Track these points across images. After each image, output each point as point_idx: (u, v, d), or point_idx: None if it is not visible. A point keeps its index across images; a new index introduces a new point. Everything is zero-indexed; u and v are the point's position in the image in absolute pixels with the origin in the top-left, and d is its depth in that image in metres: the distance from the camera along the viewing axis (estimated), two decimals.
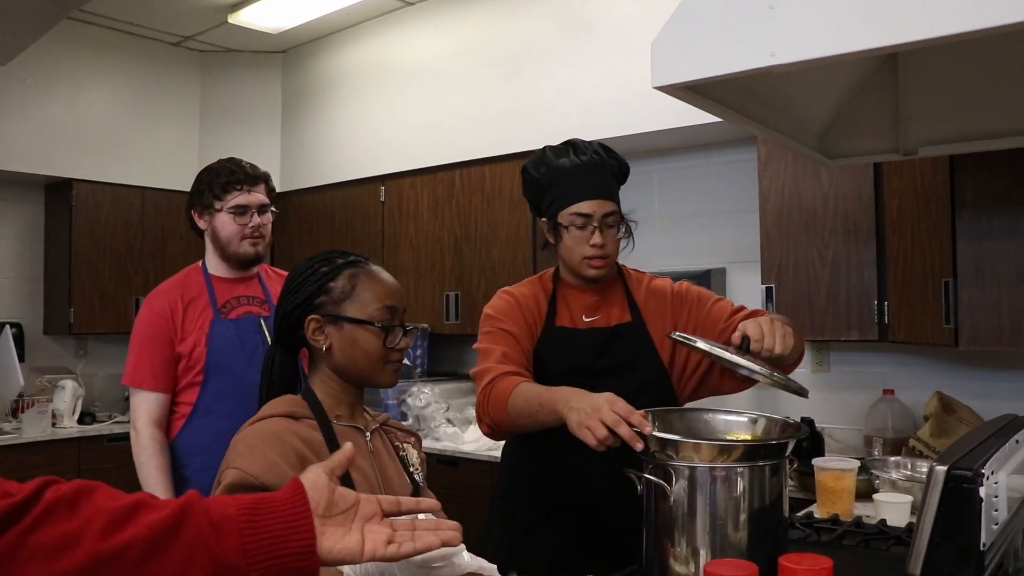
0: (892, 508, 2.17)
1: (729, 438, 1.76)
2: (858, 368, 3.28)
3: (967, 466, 1.26)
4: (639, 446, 1.51)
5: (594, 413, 1.52)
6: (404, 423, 1.70)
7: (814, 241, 3.01)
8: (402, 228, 4.50)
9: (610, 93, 3.68)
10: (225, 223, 2.31)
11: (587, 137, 3.63)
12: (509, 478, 2.06)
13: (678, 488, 1.52)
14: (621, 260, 2.09)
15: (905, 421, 3.02)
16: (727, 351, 1.61)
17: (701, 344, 1.63)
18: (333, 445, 1.40)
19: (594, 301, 2.00)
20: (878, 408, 3.07)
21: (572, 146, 1.99)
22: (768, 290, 3.10)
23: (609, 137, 3.58)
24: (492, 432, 1.85)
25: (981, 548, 1.27)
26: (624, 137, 3.58)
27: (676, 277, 3.55)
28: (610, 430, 1.50)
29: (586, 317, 1.99)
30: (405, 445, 1.62)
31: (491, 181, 4.10)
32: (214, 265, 2.35)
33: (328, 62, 5.03)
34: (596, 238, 1.89)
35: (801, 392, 1.68)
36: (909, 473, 2.47)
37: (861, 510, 2.35)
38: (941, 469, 1.27)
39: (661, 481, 1.53)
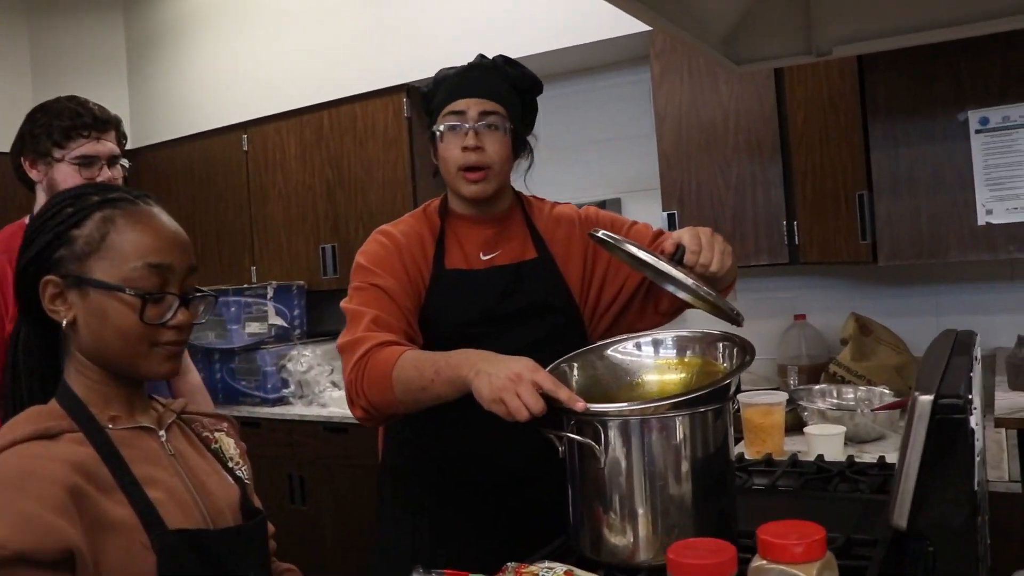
0: (826, 442, 2.01)
1: (667, 377, 1.54)
2: (767, 294, 3.13)
3: (953, 393, 1.06)
4: (580, 406, 1.27)
5: (511, 383, 1.27)
6: (216, 410, 1.38)
7: (716, 161, 2.80)
8: (269, 178, 4.10)
9: (488, 16, 3.36)
10: (67, 176, 1.96)
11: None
12: (398, 453, 1.77)
13: (609, 445, 1.29)
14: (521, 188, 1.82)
15: (819, 347, 2.89)
16: (659, 259, 1.36)
17: (630, 247, 1.37)
18: (115, 461, 1.04)
19: (491, 235, 1.70)
20: (791, 335, 2.93)
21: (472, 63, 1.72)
22: (670, 217, 2.89)
23: None
24: (368, 417, 1.53)
25: (975, 488, 1.09)
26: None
27: None
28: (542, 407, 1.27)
29: (483, 255, 1.69)
30: (217, 434, 1.27)
31: (363, 120, 3.75)
32: None
33: (175, 1, 4.52)
34: (469, 139, 1.59)
35: (736, 319, 1.46)
36: (837, 401, 2.32)
37: (791, 445, 2.19)
38: (926, 399, 1.06)
39: (588, 440, 1.29)
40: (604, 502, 1.31)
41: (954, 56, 2.16)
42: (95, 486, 0.99)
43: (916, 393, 1.08)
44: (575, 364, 1.55)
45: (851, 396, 2.33)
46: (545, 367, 1.38)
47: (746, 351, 1.41)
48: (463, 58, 1.74)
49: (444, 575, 1.29)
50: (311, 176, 3.95)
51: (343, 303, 1.64)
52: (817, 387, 2.40)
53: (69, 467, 0.98)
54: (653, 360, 1.58)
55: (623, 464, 1.29)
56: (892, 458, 1.93)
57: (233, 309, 3.77)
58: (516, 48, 3.20)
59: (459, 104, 1.62)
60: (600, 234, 1.42)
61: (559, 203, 1.83)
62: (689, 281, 1.34)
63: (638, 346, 1.61)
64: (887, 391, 2.30)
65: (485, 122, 1.62)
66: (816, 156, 2.54)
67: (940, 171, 2.21)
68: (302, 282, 3.96)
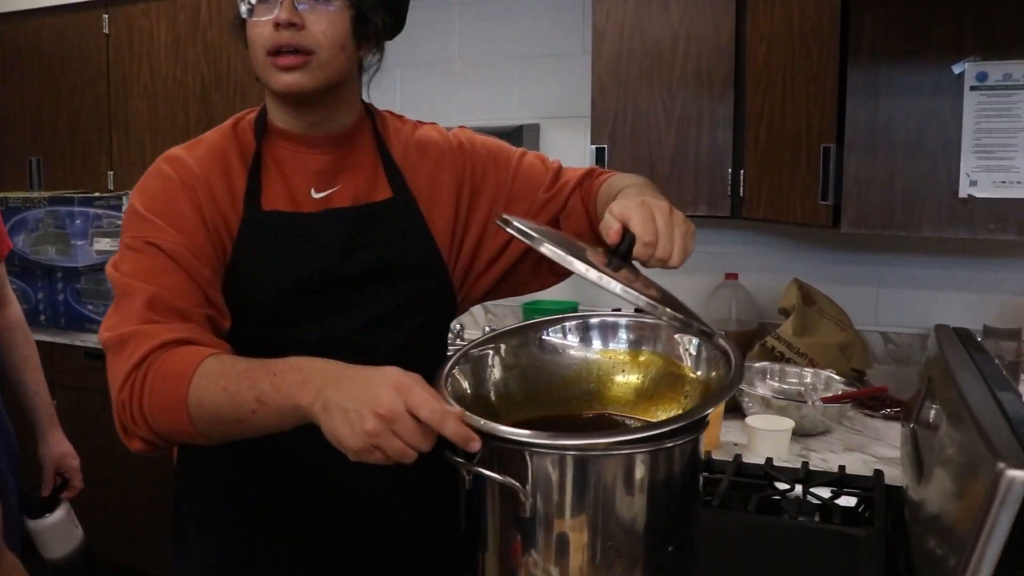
0: (772, 439, 1.72)
1: (618, 381, 1.20)
2: (696, 247, 2.80)
3: None
4: (475, 446, 0.89)
5: (382, 423, 0.85)
6: None
7: (658, 92, 2.43)
8: (133, 69, 3.51)
9: None
10: None
11: None
12: (195, 491, 1.33)
13: (540, 487, 0.95)
14: (382, 104, 1.36)
15: (750, 312, 2.60)
16: (597, 270, 0.95)
17: (552, 248, 0.96)
18: None
19: (327, 163, 1.24)
20: (720, 295, 2.63)
21: None
22: (599, 151, 2.52)
23: None
24: (153, 448, 1.06)
25: None
26: None
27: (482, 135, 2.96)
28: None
29: (315, 191, 1.23)
30: None
31: None
32: None
33: None
34: (283, 11, 1.11)
35: (711, 338, 1.12)
36: (779, 386, 2.03)
37: (728, 435, 1.90)
38: (1018, 477, 0.74)
39: (511, 480, 0.95)
40: (525, 561, 0.97)
41: None
42: None
43: (1001, 465, 0.76)
44: (482, 362, 1.18)
45: (795, 380, 2.05)
46: (417, 361, 1.00)
47: (729, 359, 1.08)
48: None
49: None
50: (183, 71, 3.39)
51: (109, 267, 1.15)
52: (757, 365, 2.10)
53: None
54: (596, 354, 1.23)
55: (556, 510, 0.95)
56: (851, 463, 1.66)
57: (79, 221, 3.21)
58: None
59: None
60: (515, 224, 1.01)
61: (423, 123, 1.38)
62: (642, 301, 0.95)
63: (567, 331, 1.25)
64: (834, 375, 2.02)
65: None
66: (776, 98, 2.19)
67: (924, 130, 1.90)
68: None
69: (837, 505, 1.40)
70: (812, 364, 2.14)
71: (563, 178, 1.35)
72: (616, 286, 0.93)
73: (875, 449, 1.81)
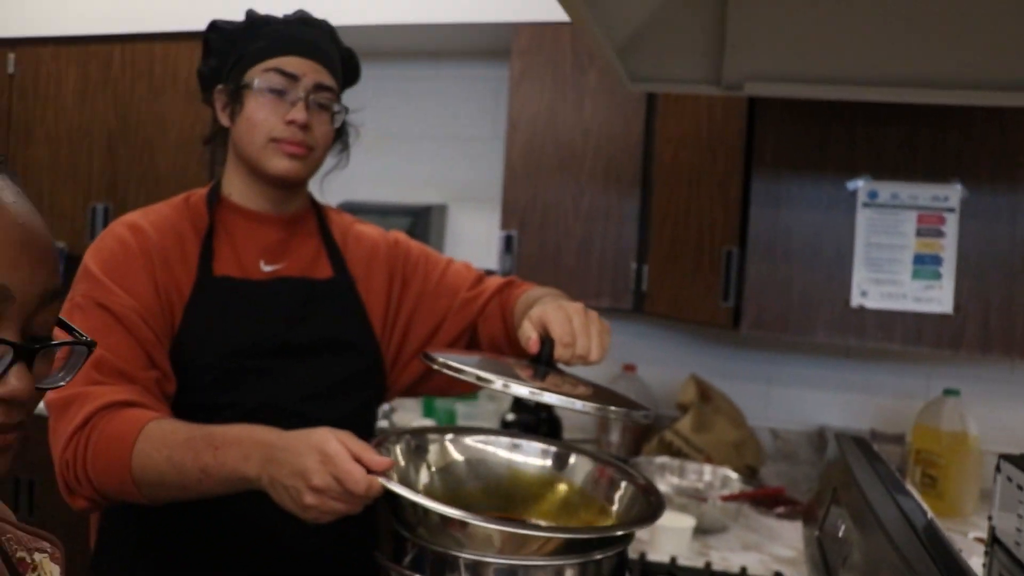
0: (675, 536, 1.74)
1: (547, 496, 1.20)
2: None
3: None
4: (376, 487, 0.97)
5: (318, 498, 0.95)
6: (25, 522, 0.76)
7: (568, 185, 2.49)
8: (38, 113, 3.39)
9: None
10: None
11: None
12: (116, 545, 1.29)
13: None
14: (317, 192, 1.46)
15: (646, 402, 2.64)
16: (526, 385, 0.98)
17: (479, 376, 1.00)
18: None
19: (276, 241, 1.32)
20: (617, 385, 2.65)
21: (296, 16, 1.34)
22: (507, 238, 2.55)
23: None
24: (96, 507, 1.13)
25: None
26: (338, 28, 2.80)
27: (387, 211, 2.95)
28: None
29: (265, 264, 1.30)
30: (36, 557, 0.75)
31: (162, 64, 3.16)
32: None
33: None
34: (299, 112, 1.25)
35: (647, 422, 1.16)
36: (679, 483, 2.06)
37: None
38: None
39: None
40: None
41: (853, 120, 1.97)
42: None
43: None
44: (419, 447, 1.17)
45: (695, 476, 2.09)
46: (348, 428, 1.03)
47: (651, 493, 1.10)
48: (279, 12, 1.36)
49: None
50: (90, 120, 3.29)
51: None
52: (658, 460, 2.13)
53: None
54: (528, 468, 1.22)
55: None
56: (750, 563, 1.69)
57: None
58: (354, 14, 2.74)
59: (291, 64, 1.27)
60: (440, 359, 1.04)
61: (360, 220, 1.48)
62: (577, 405, 0.98)
63: (502, 445, 1.25)
64: (731, 474, 2.07)
65: (318, 98, 1.27)
66: (681, 198, 2.28)
67: (820, 241, 2.01)
68: (62, 244, 3.28)
69: None
70: (709, 460, 2.19)
71: (484, 284, 1.43)
72: (552, 398, 0.96)
73: (772, 549, 1.85)
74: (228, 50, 1.31)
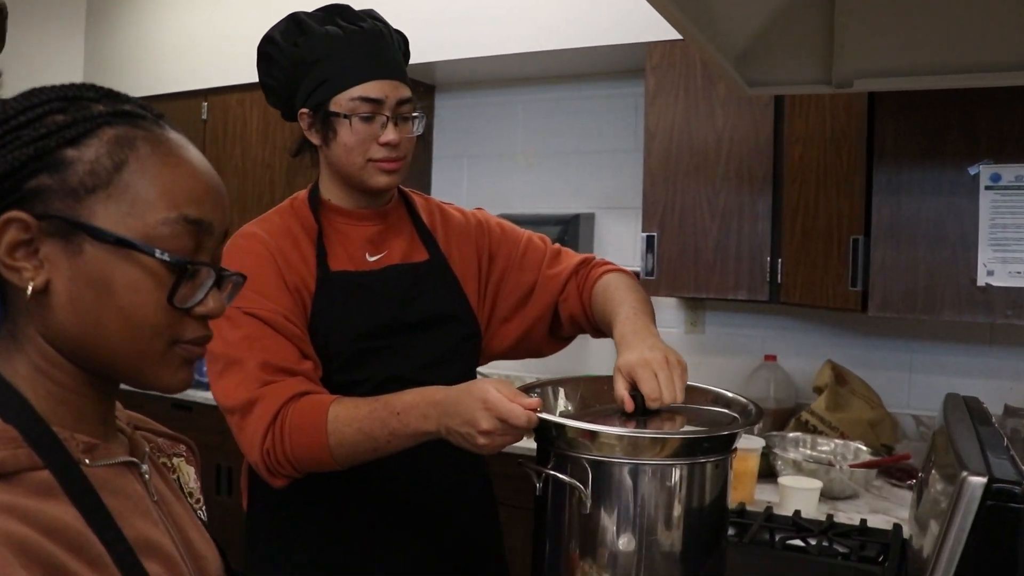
0: (801, 496, 1.89)
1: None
2: (737, 331, 3.01)
3: (1010, 478, 0.93)
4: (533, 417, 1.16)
5: (488, 439, 1.17)
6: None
7: (703, 187, 2.68)
8: (227, 151, 3.87)
9: (470, 3, 3.17)
10: None
11: (438, 56, 3.08)
12: (272, 498, 1.45)
13: (599, 489, 1.16)
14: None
15: (787, 391, 2.78)
16: (632, 433, 1.17)
17: (591, 427, 1.15)
18: (101, 519, 0.69)
19: (375, 232, 1.48)
20: (759, 376, 2.81)
21: (337, 11, 1.46)
22: (648, 239, 2.76)
23: (463, 58, 3.12)
24: (292, 481, 1.32)
25: None
26: (487, 59, 3.11)
27: (539, 221, 3.21)
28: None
29: (370, 255, 1.47)
30: (175, 461, 0.93)
31: None
32: None
33: None
34: (390, 133, 1.38)
35: (758, 420, 1.29)
36: (811, 453, 2.20)
37: (763, 494, 2.06)
38: (977, 482, 0.93)
39: (574, 480, 1.16)
40: (583, 550, 1.18)
41: (972, 106, 2.07)
42: (82, 560, 0.66)
43: (964, 474, 0.95)
44: (551, 390, 1.40)
45: (826, 448, 2.22)
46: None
47: (749, 411, 1.29)
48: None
49: None
50: (271, 154, 3.73)
51: (212, 345, 1.37)
52: (791, 435, 2.27)
53: (44, 531, 0.64)
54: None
55: (609, 510, 1.16)
56: (874, 521, 1.82)
57: None
58: (503, 45, 3.04)
59: (374, 89, 1.38)
60: (554, 421, 1.18)
61: (444, 203, 1.64)
62: (691, 435, 1.19)
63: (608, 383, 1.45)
64: (862, 447, 2.19)
65: (401, 112, 1.42)
66: (810, 194, 2.42)
67: (943, 224, 2.11)
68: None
69: (856, 550, 1.56)
70: (843, 437, 2.31)
71: (562, 261, 1.59)
72: (652, 433, 1.17)
73: (899, 513, 1.96)
74: (297, 72, 1.41)
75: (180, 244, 0.73)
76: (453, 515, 1.50)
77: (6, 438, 0.67)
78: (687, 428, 1.23)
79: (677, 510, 1.15)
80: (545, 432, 1.21)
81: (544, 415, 1.17)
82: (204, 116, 3.95)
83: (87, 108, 0.74)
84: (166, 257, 0.71)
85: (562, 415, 1.30)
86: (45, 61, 4.29)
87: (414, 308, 1.46)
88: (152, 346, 0.73)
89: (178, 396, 3.46)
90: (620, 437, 1.14)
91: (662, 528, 1.15)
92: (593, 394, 1.41)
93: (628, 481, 1.13)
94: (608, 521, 1.15)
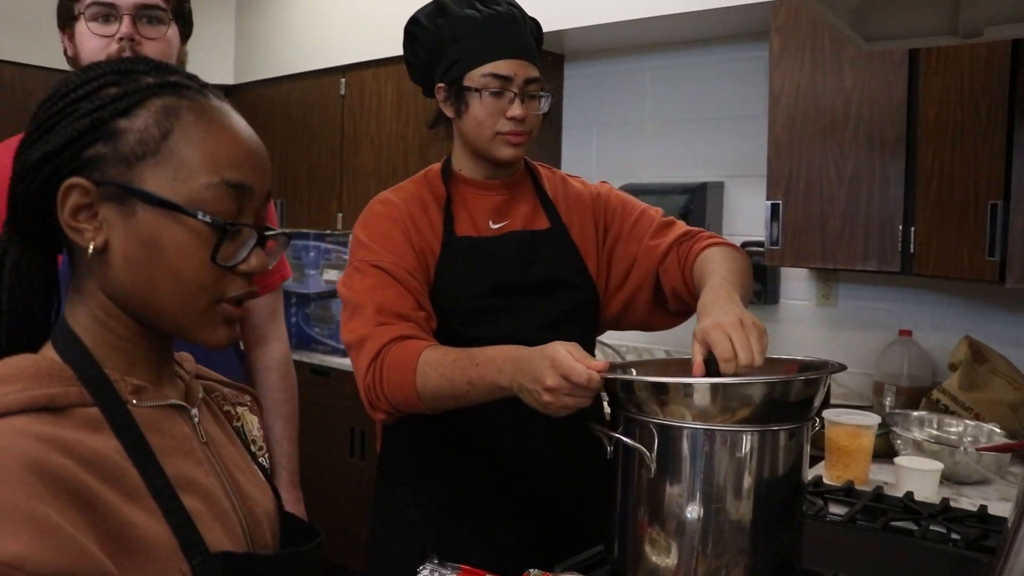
0: (918, 478, 1.78)
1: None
2: (870, 304, 2.86)
3: None
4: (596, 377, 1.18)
5: (553, 397, 1.19)
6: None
7: (831, 152, 2.54)
8: (363, 126, 4.00)
9: None
10: (86, 41, 1.47)
11: (567, 24, 3.09)
12: (401, 438, 1.64)
13: (661, 454, 1.15)
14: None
15: (923, 368, 2.62)
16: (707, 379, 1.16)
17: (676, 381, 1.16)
18: (142, 455, 0.76)
19: (500, 202, 1.60)
20: (892, 351, 2.67)
21: None
22: (773, 207, 2.65)
23: (591, 24, 3.08)
24: (392, 418, 1.44)
25: None
26: (608, 25, 3.06)
27: (666, 191, 3.15)
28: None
29: (493, 223, 1.58)
30: (240, 410, 0.99)
31: None
32: None
33: None
34: (516, 108, 1.50)
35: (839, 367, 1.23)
36: (936, 433, 2.07)
37: (878, 474, 1.96)
38: None
39: (639, 445, 1.15)
40: (650, 515, 1.17)
41: None
42: (117, 490, 0.72)
43: None
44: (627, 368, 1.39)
45: (954, 430, 2.08)
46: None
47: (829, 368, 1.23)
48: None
49: (461, 570, 1.17)
50: (405, 126, 3.83)
51: (340, 285, 1.52)
52: (916, 413, 2.14)
53: (76, 462, 0.70)
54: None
55: (675, 476, 1.15)
56: (996, 509, 1.69)
57: (312, 254, 3.70)
58: (624, 10, 2.99)
59: (505, 67, 1.50)
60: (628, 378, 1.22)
61: (569, 175, 1.72)
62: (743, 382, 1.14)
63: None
64: (998, 429, 2.04)
65: (529, 90, 1.52)
66: (946, 157, 2.26)
67: None
68: None
69: (969, 537, 1.46)
70: (977, 418, 2.16)
71: (667, 233, 1.61)
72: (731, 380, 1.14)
73: None
74: (437, 49, 1.54)
75: (223, 207, 0.79)
76: (560, 467, 1.57)
77: (62, 376, 0.76)
78: (761, 377, 1.17)
79: (747, 481, 1.12)
80: (615, 396, 1.21)
81: (609, 374, 1.17)
82: (342, 92, 4.09)
83: (137, 80, 0.80)
84: (208, 219, 0.78)
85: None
86: (200, 44, 4.57)
87: (533, 272, 1.56)
88: (196, 303, 0.80)
89: (316, 362, 3.63)
90: (681, 395, 1.12)
91: (731, 498, 1.12)
92: (685, 374, 1.39)
93: (694, 446, 1.11)
94: (673, 488, 1.13)
